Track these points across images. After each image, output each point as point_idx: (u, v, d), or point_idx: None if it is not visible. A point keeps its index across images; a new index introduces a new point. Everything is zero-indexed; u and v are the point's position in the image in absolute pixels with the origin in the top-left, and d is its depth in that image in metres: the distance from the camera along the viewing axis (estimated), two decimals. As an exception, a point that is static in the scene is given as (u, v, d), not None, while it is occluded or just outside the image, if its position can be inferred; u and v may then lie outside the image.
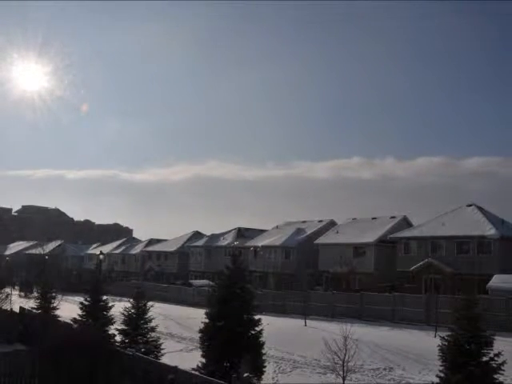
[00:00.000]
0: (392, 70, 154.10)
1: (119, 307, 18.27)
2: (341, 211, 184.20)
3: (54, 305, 24.21)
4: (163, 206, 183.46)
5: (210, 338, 14.17)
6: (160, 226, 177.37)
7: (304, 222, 56.56)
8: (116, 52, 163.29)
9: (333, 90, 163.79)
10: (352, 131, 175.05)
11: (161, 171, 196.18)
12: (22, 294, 47.73)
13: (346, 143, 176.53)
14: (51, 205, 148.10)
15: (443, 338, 11.62)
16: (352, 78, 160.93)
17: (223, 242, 59.57)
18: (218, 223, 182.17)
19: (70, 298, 36.82)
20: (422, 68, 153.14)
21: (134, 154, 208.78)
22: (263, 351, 14.52)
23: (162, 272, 63.78)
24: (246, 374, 10.88)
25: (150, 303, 17.48)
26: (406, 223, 47.06)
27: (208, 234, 65.41)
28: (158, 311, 24.47)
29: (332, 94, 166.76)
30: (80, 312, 18.21)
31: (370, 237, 44.55)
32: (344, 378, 13.69)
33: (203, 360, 14.05)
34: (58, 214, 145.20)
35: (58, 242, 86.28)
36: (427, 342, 21.30)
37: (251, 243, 54.92)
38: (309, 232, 52.39)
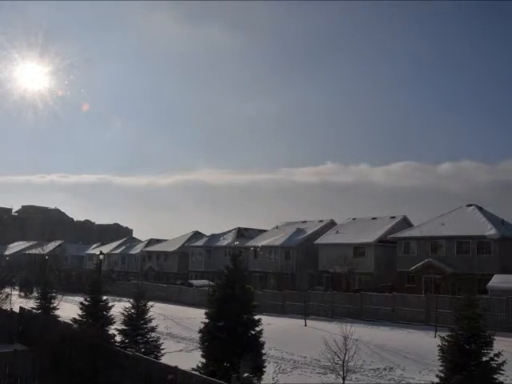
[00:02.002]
0: (361, 82, 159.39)
1: (119, 307, 18.28)
2: (327, 212, 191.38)
3: (54, 305, 24.23)
4: (160, 209, 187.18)
5: (209, 338, 14.17)
6: (156, 227, 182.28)
7: (304, 222, 56.53)
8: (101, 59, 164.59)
9: (307, 102, 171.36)
10: (325, 140, 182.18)
11: (151, 176, 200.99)
12: (22, 294, 47.68)
13: (320, 151, 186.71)
14: (51, 205, 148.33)
15: (443, 337, 11.63)
16: (323, 90, 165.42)
17: (223, 242, 59.55)
18: (209, 224, 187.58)
19: (70, 298, 36.87)
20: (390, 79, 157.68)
21: (125, 160, 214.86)
22: (263, 351, 14.52)
23: (162, 272, 63.75)
24: (246, 374, 10.86)
25: (149, 303, 17.48)
26: (405, 223, 47.06)
27: (208, 234, 65.43)
28: (157, 311, 24.47)
29: (306, 105, 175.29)
30: (80, 312, 18.20)
31: (370, 237, 44.53)
32: (344, 378, 13.70)
33: (203, 360, 14.05)
34: (57, 214, 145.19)
35: (58, 242, 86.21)
36: (427, 342, 21.30)
37: (251, 243, 54.89)
38: (309, 232, 52.36)
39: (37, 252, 68.49)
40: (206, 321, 14.47)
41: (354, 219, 51.49)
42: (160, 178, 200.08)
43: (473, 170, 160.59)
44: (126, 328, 16.65)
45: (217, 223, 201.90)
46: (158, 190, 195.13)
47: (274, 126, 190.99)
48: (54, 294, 24.80)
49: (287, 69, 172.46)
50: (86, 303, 18.36)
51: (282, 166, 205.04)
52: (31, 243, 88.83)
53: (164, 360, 15.21)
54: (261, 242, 53.94)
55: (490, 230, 36.60)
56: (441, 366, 11.50)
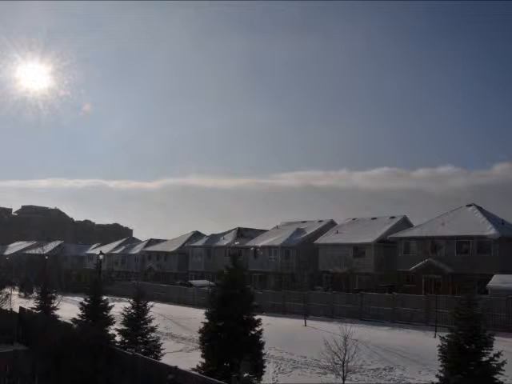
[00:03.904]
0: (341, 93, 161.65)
1: (119, 307, 18.28)
2: (312, 213, 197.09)
3: (54, 305, 24.24)
4: (155, 211, 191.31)
5: (209, 339, 14.16)
6: (154, 228, 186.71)
7: (304, 222, 56.55)
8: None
9: (290, 113, 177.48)
10: (307, 147, 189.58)
11: (141, 180, 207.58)
12: (22, 294, 47.73)
13: (303, 158, 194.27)
14: (51, 205, 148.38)
15: (443, 338, 11.63)
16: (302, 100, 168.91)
17: (223, 242, 59.54)
18: (199, 224, 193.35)
19: (70, 298, 36.88)
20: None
21: (117, 164, 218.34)
22: (263, 351, 14.51)
23: (162, 272, 63.73)
24: (245, 374, 10.83)
25: (149, 303, 17.48)
26: (405, 223, 47.06)
27: (208, 234, 65.43)
28: (157, 311, 24.51)
29: (289, 116, 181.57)
30: (80, 312, 18.22)
31: (370, 237, 44.53)
32: (344, 378, 13.71)
33: (203, 360, 14.04)
34: (57, 214, 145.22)
35: (58, 242, 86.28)
36: (427, 342, 21.31)
37: (251, 243, 54.89)
38: (309, 232, 52.37)
39: (37, 252, 68.57)
40: (206, 321, 14.47)
41: (353, 219, 51.48)
42: (150, 181, 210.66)
43: (450, 174, 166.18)
44: (125, 328, 16.64)
45: (207, 224, 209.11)
46: (150, 193, 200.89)
47: (257, 134, 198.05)
48: (53, 294, 24.82)
49: (273, 79, 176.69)
50: (86, 303, 18.38)
51: (267, 171, 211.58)
52: (31, 243, 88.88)
53: (164, 360, 15.21)
54: (261, 242, 53.95)
55: (489, 230, 36.58)
56: (440, 366, 11.50)
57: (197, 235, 67.41)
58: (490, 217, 39.20)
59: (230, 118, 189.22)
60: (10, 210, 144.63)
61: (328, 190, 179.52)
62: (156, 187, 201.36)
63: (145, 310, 17.00)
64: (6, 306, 25.32)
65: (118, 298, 37.26)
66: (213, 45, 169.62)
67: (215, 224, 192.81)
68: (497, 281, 30.83)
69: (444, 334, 11.86)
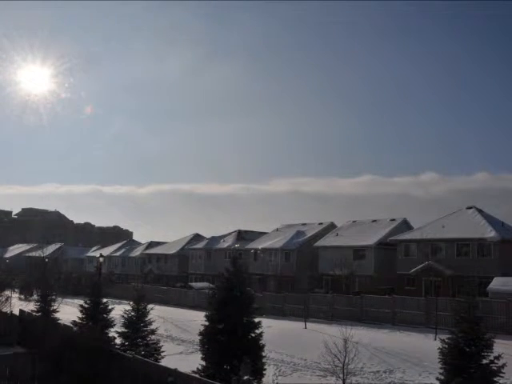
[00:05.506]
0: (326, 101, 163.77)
1: (119, 310, 18.28)
2: (304, 217, 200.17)
3: (54, 308, 24.23)
4: (152, 213, 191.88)
5: (209, 341, 14.16)
6: (152, 231, 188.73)
7: (304, 224, 56.55)
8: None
9: (279, 123, 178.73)
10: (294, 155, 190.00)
11: (133, 187, 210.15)
12: (22, 296, 47.66)
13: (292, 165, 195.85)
14: (51, 207, 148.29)
15: (443, 340, 11.63)
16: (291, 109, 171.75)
17: (223, 245, 59.51)
18: (189, 228, 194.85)
19: (70, 300, 36.84)
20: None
21: (108, 172, 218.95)
22: (263, 354, 14.50)
23: (162, 274, 63.70)
24: (246, 377, 10.84)
25: (149, 306, 17.48)
26: (405, 226, 47.06)
27: (208, 236, 65.40)
28: (157, 314, 24.47)
29: (278, 125, 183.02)
30: (80, 315, 18.23)
31: (370, 239, 44.51)
32: (344, 381, 13.70)
33: (203, 363, 14.04)
34: (57, 216, 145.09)
35: (58, 245, 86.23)
36: (427, 345, 21.29)
37: (251, 246, 54.85)
38: (309, 235, 52.36)
39: (37, 255, 68.42)
40: (206, 323, 14.47)
41: (353, 222, 51.46)
42: (141, 187, 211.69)
43: (432, 181, 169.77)
44: (125, 331, 16.64)
45: (204, 227, 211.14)
46: (143, 198, 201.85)
47: (247, 142, 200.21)
48: (53, 297, 24.80)
49: (260, 90, 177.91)
50: (86, 306, 18.39)
51: (257, 177, 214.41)
52: (31, 246, 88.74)
53: (164, 362, 15.19)
54: (261, 244, 53.93)
55: (489, 233, 36.58)
56: (441, 368, 11.51)
57: (197, 238, 67.36)
58: (489, 219, 39.21)
59: (222, 127, 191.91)
60: (11, 212, 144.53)
61: (316, 195, 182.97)
62: (148, 192, 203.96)
63: (145, 313, 17.00)
64: (5, 309, 25.27)
65: (118, 301, 37.21)
66: (210, 46, 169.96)
67: (210, 227, 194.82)
68: (497, 283, 30.80)
69: (444, 337, 11.87)
